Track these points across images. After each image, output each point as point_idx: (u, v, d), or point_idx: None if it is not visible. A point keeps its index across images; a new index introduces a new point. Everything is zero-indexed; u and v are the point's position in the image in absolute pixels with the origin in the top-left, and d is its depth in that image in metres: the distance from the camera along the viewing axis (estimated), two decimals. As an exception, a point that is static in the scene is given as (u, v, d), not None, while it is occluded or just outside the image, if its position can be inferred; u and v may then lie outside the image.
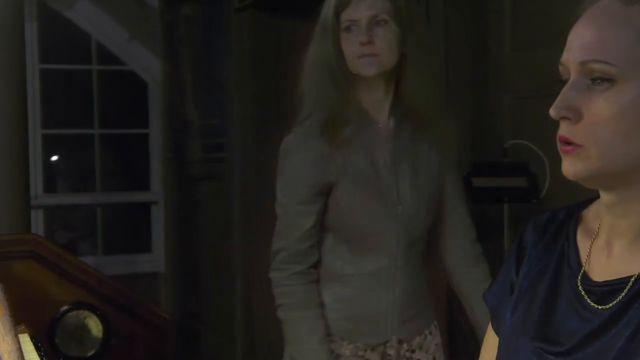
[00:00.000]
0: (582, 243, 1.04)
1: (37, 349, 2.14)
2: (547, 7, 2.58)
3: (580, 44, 0.95)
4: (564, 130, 0.95)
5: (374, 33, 1.81)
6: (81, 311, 3.34)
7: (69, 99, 4.96)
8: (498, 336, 1.09)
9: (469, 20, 2.93)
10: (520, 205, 2.64)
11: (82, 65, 4.92)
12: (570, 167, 0.96)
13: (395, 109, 1.87)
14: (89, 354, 3.34)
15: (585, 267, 1.01)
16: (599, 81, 0.93)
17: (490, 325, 1.12)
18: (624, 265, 0.98)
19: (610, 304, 0.96)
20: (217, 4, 4.10)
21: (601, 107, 0.93)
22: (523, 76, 2.71)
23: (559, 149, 0.97)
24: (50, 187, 4.89)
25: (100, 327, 3.34)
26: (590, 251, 1.02)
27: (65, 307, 3.30)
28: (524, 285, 1.07)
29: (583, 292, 0.99)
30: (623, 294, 0.95)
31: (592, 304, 0.98)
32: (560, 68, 0.98)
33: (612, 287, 0.97)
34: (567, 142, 0.95)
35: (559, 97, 0.95)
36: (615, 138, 0.93)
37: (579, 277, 1.01)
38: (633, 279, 0.95)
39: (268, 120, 3.90)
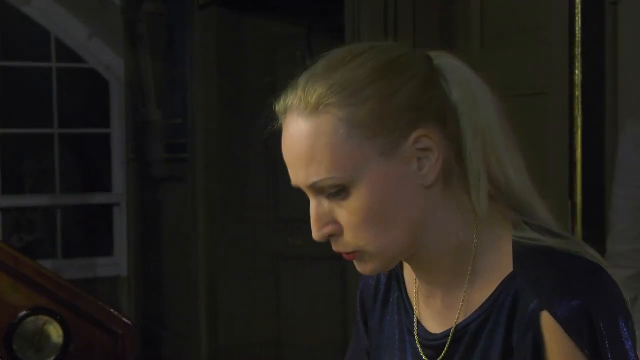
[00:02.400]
0: (410, 288, 1.08)
1: (-8, 356, 2.10)
2: (515, 4, 2.59)
3: (297, 167, 0.97)
4: (335, 246, 0.99)
5: None
6: (39, 316, 3.30)
7: (27, 97, 4.89)
8: None
9: (437, 19, 2.94)
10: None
11: (41, 62, 4.86)
12: (362, 269, 1.00)
13: None
14: (48, 360, 3.31)
15: (418, 314, 1.06)
16: (333, 193, 0.95)
17: None
18: (448, 311, 1.02)
19: (441, 357, 1.00)
20: (180, 1, 4.07)
21: (350, 214, 0.95)
22: (491, 75, 2.73)
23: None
24: (7, 188, 4.82)
25: (60, 332, 3.30)
26: (417, 295, 1.06)
27: (22, 313, 3.26)
28: (376, 347, 1.10)
29: (419, 347, 1.03)
30: (446, 348, 1.00)
31: (428, 359, 1.02)
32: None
33: (440, 342, 1.01)
34: (345, 252, 0.98)
35: (313, 222, 0.98)
36: (379, 232, 0.96)
37: (415, 329, 1.05)
38: (451, 330, 1.00)
39: (232, 119, 3.89)
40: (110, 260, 4.95)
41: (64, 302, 3.35)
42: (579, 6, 2.08)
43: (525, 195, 1.00)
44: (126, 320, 3.48)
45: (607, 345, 0.91)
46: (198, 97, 3.91)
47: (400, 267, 1.09)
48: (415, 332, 1.04)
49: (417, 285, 1.06)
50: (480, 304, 0.98)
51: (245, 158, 3.89)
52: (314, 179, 0.96)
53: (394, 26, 2.72)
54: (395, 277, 1.10)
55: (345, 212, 0.96)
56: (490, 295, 0.98)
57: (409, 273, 1.08)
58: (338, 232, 0.97)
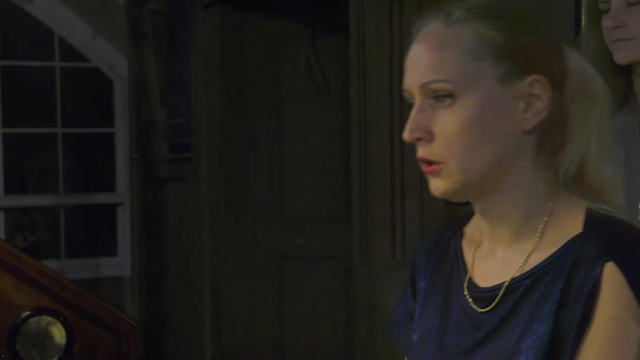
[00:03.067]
0: (467, 254, 1.11)
1: (-5, 357, 2.10)
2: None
3: (417, 68, 1.03)
4: (421, 151, 1.03)
5: (627, 15, 1.65)
6: (43, 317, 3.30)
7: (31, 97, 4.89)
8: None
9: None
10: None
11: (45, 62, 4.86)
12: (436, 186, 1.03)
13: None
14: (51, 361, 3.30)
15: (471, 273, 1.09)
16: (442, 98, 1.01)
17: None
18: (505, 267, 1.05)
19: (491, 307, 1.03)
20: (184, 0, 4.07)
21: (449, 123, 1.01)
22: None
23: (422, 170, 1.04)
24: (10, 187, 4.82)
25: (63, 333, 3.30)
26: (474, 258, 1.10)
27: (26, 313, 3.25)
28: (422, 308, 1.13)
29: (470, 299, 1.06)
30: (497, 298, 1.03)
31: (479, 309, 1.05)
32: (405, 94, 1.05)
33: (495, 293, 1.03)
34: (428, 162, 1.03)
35: (409, 121, 1.03)
36: (468, 149, 1.01)
37: (465, 284, 1.08)
38: (505, 283, 1.03)
39: (235, 119, 3.88)
40: (113, 260, 4.95)
41: (67, 302, 3.34)
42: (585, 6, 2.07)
43: (612, 195, 1.05)
44: (130, 321, 3.47)
45: None
46: (201, 96, 3.90)
47: (459, 236, 1.13)
48: (465, 288, 1.07)
49: (475, 248, 1.10)
50: (541, 260, 1.02)
51: (249, 158, 3.88)
52: (430, 77, 1.01)
53: (399, 25, 2.71)
54: (453, 245, 1.13)
55: (444, 121, 1.01)
56: (553, 253, 1.01)
57: (468, 241, 1.12)
58: (426, 139, 1.02)
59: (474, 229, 1.12)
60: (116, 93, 4.96)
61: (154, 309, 4.55)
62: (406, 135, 1.03)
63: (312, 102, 3.80)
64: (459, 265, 1.11)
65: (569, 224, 1.02)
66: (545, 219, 1.03)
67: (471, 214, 1.13)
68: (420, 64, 1.02)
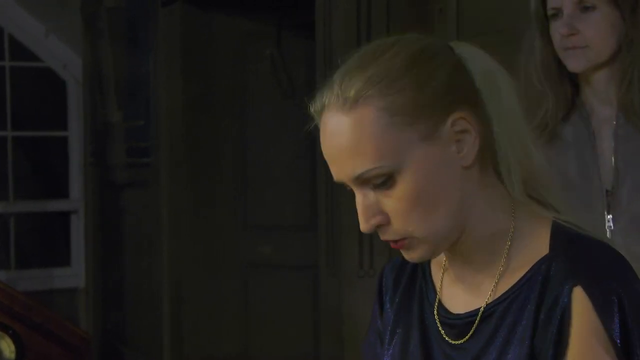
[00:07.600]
0: (436, 276, 1.13)
1: (-60, 373, 2.08)
2: (492, 3, 2.63)
3: (340, 162, 1.02)
4: (383, 235, 1.04)
5: (580, 21, 1.71)
6: (-9, 331, 3.28)
7: (-21, 98, 4.85)
8: None
9: (412, 17, 2.97)
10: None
11: (-6, 61, 4.83)
12: (410, 257, 1.06)
13: (627, 104, 1.72)
14: (0, 377, 3.28)
15: (440, 297, 1.11)
16: (380, 182, 1.01)
17: None
18: (476, 293, 1.08)
19: (465, 338, 1.06)
20: (143, -4, 4.06)
21: (397, 202, 1.02)
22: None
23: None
24: (-43, 194, 4.77)
25: (13, 347, 3.28)
26: (442, 283, 1.12)
27: (-27, 327, 3.23)
28: (392, 332, 1.14)
29: (440, 327, 1.08)
30: (474, 327, 1.05)
31: (450, 339, 1.07)
32: (338, 182, 1.05)
33: (466, 320, 1.06)
34: (393, 241, 1.04)
35: (360, 214, 1.03)
36: (426, 215, 1.02)
37: (435, 310, 1.10)
38: (481, 310, 1.05)
39: (198, 122, 3.88)
40: (67, 271, 4.92)
41: (17, 315, 3.32)
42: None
43: (545, 178, 1.08)
44: (84, 335, 3.47)
45: (636, 332, 0.98)
46: (162, 97, 3.90)
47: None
48: (435, 313, 1.09)
49: (443, 271, 1.12)
50: (512, 284, 1.04)
51: (211, 162, 3.89)
52: (360, 170, 1.01)
53: (367, 24, 2.74)
54: (421, 266, 1.15)
55: (392, 201, 1.02)
56: (523, 276, 1.04)
57: (436, 262, 1.14)
58: (385, 222, 1.03)
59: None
60: (70, 94, 4.94)
61: (111, 322, 4.53)
62: (364, 227, 1.03)
63: (278, 104, 3.82)
64: (428, 288, 1.13)
65: (535, 244, 1.05)
66: (508, 241, 1.05)
67: None
68: (342, 158, 1.02)
